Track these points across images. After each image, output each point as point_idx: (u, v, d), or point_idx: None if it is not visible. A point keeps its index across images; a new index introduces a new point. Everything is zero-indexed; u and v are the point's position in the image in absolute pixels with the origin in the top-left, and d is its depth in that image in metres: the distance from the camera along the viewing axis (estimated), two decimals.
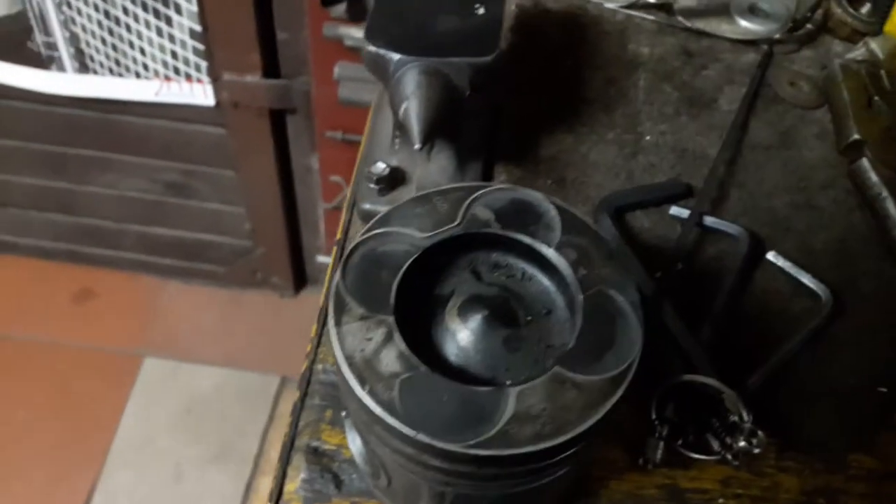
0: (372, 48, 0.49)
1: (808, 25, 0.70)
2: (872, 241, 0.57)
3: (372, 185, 0.53)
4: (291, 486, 0.44)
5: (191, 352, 1.61)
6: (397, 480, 0.40)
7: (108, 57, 1.32)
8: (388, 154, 0.55)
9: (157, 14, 1.23)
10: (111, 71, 1.33)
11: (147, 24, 1.25)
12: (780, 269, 0.54)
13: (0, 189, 1.58)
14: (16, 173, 1.55)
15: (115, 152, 1.48)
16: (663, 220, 0.56)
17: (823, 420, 0.49)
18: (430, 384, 0.35)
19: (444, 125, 0.49)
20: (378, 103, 0.62)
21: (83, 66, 1.34)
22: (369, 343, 0.36)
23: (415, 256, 0.39)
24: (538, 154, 0.59)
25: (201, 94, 1.33)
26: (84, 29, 1.29)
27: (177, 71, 1.31)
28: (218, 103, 1.33)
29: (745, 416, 0.44)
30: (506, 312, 0.39)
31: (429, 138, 0.47)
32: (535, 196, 0.42)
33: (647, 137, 0.61)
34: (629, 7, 0.70)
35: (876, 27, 0.67)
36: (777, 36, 0.68)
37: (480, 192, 0.42)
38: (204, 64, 1.27)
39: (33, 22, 1.28)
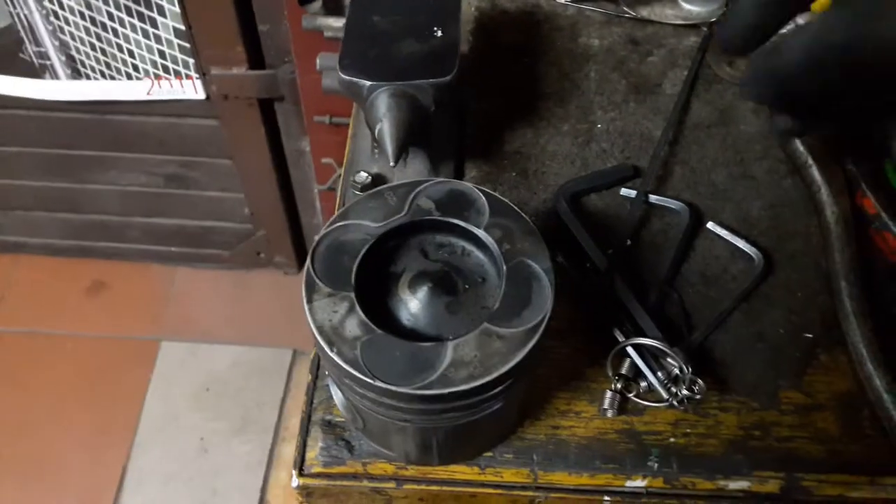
0: (345, 76, 0.57)
1: None
2: (800, 206, 0.64)
3: (357, 192, 0.60)
4: (312, 453, 0.53)
5: (205, 333, 1.69)
6: (370, 422, 0.49)
7: (98, 61, 1.36)
8: (369, 163, 0.63)
9: (141, 17, 1.27)
10: (103, 74, 1.38)
11: (133, 28, 1.30)
12: (719, 237, 0.62)
13: (7, 193, 1.64)
14: (21, 177, 1.61)
15: (114, 150, 1.53)
16: (615, 201, 0.64)
17: (758, 365, 0.57)
18: (385, 344, 0.44)
19: (414, 139, 0.56)
20: (356, 116, 0.69)
21: (75, 72, 1.39)
22: (336, 314, 0.45)
23: (370, 243, 0.48)
24: (503, 150, 0.66)
25: (191, 90, 1.38)
26: (73, 37, 1.33)
27: (166, 69, 1.36)
28: (208, 97, 1.38)
29: (686, 369, 0.52)
30: (447, 283, 0.47)
31: (401, 154, 0.54)
32: (467, 186, 0.50)
33: (599, 125, 0.68)
34: (579, 1, 0.76)
35: (804, 2, 0.73)
36: (715, 19, 0.74)
37: (422, 185, 0.50)
38: (191, 61, 1.32)
39: (23, 34, 1.33)
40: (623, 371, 0.55)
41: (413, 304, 0.47)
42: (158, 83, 1.39)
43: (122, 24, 1.29)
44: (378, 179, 0.61)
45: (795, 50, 0.44)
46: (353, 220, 0.49)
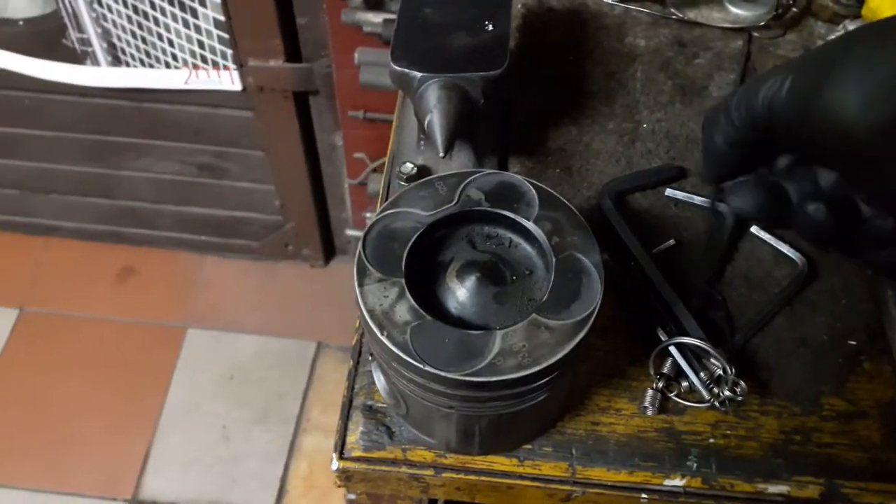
0: (396, 67, 0.57)
1: (793, 9, 0.76)
2: None
3: (403, 183, 0.61)
4: (352, 437, 0.53)
5: (231, 322, 1.71)
6: (413, 407, 0.50)
7: (138, 49, 1.38)
8: (414, 154, 0.63)
9: (182, 7, 1.29)
10: (142, 62, 1.40)
11: (174, 17, 1.31)
12: (762, 241, 0.62)
13: (44, 177, 1.67)
14: (58, 162, 1.64)
15: (149, 138, 1.56)
16: (660, 200, 0.64)
17: (800, 370, 0.56)
18: (434, 330, 0.44)
19: (463, 131, 0.56)
20: (401, 108, 0.70)
21: (116, 59, 1.41)
22: (386, 299, 0.45)
23: (420, 231, 0.48)
24: (547, 146, 0.67)
25: (228, 81, 1.40)
26: (115, 24, 1.35)
27: (204, 59, 1.37)
28: (244, 88, 1.39)
29: (729, 370, 0.52)
30: (495, 273, 0.48)
31: (451, 146, 0.55)
32: (517, 179, 0.50)
33: (644, 125, 0.68)
34: (626, 1, 0.76)
35: (855, 10, 0.73)
36: (763, 23, 0.74)
37: (473, 177, 0.50)
38: (229, 52, 1.34)
39: (67, 20, 1.35)
40: (664, 370, 0.55)
41: (461, 293, 0.47)
42: (196, 73, 1.41)
43: (163, 13, 1.31)
44: (423, 171, 0.61)
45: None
46: (403, 208, 0.49)
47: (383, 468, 0.53)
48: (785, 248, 0.61)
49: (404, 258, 0.47)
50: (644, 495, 0.53)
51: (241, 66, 1.36)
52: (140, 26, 1.34)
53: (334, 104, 1.41)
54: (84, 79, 1.44)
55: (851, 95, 0.42)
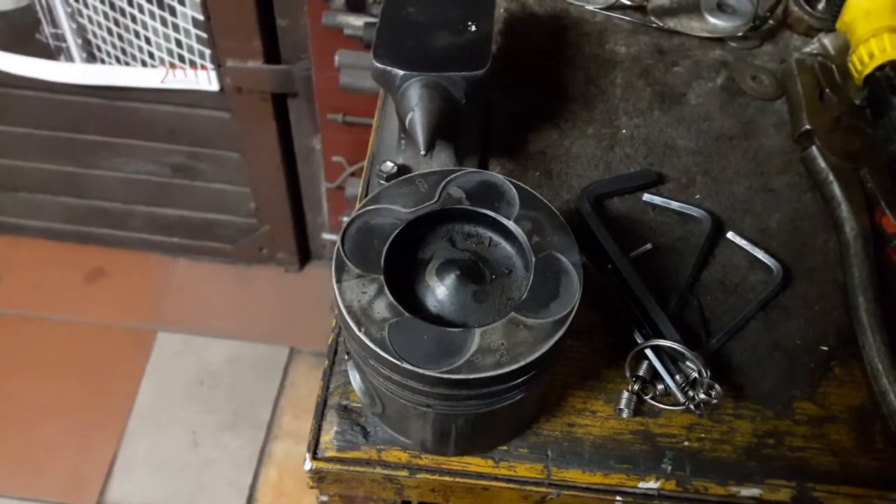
0: (379, 65, 0.57)
1: (770, 21, 0.77)
2: (819, 220, 0.65)
3: (383, 182, 0.60)
4: (326, 437, 0.52)
5: (202, 325, 1.68)
6: (389, 406, 0.49)
7: (114, 46, 1.37)
8: (395, 153, 0.63)
9: (160, 5, 1.28)
10: (118, 60, 1.38)
11: (151, 15, 1.30)
12: (738, 247, 0.62)
13: (12, 174, 1.63)
14: (27, 159, 1.60)
15: (122, 137, 1.53)
16: (637, 205, 0.64)
17: (773, 374, 0.57)
18: (412, 327, 0.44)
19: (444, 131, 0.56)
20: (382, 108, 0.69)
21: (90, 56, 1.39)
22: (364, 295, 0.45)
23: (400, 228, 0.48)
24: (527, 149, 0.67)
25: (205, 81, 1.38)
26: (90, 20, 1.33)
27: (181, 59, 1.36)
28: (222, 88, 1.38)
29: (704, 373, 0.53)
30: (474, 272, 0.48)
31: (432, 144, 0.55)
32: (498, 178, 0.50)
33: (623, 131, 0.68)
34: (607, 9, 0.77)
35: (829, 23, 0.74)
36: (741, 33, 0.75)
37: (454, 175, 0.50)
38: (207, 51, 1.33)
39: (41, 14, 1.33)
40: (640, 373, 0.55)
41: (440, 291, 0.47)
42: (173, 72, 1.39)
43: (140, 10, 1.29)
44: (403, 170, 0.61)
45: None
46: (384, 205, 0.49)
47: (357, 469, 0.52)
48: (760, 255, 0.62)
49: (384, 255, 0.47)
50: (619, 498, 0.53)
51: (219, 66, 1.35)
52: (117, 23, 1.32)
53: (313, 107, 1.40)
54: (57, 75, 1.42)
55: None
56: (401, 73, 0.56)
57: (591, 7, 0.77)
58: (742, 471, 0.53)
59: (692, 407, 0.53)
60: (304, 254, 1.75)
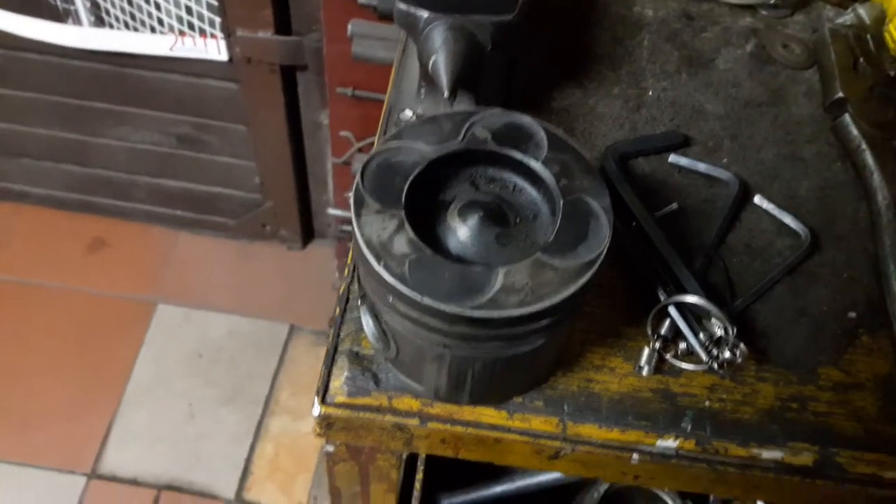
0: (402, 5, 0.55)
1: None
2: (849, 189, 0.63)
3: None
4: (336, 382, 0.51)
5: (202, 299, 1.67)
6: (404, 349, 0.48)
7: (123, 11, 1.34)
8: (414, 102, 0.61)
9: None
10: (127, 25, 1.36)
11: None
12: (766, 211, 0.61)
13: (15, 139, 1.62)
14: (31, 124, 1.58)
15: (128, 105, 1.51)
16: (663, 167, 0.63)
17: (799, 339, 0.55)
18: (433, 263, 0.42)
19: (467, 77, 0.55)
20: (401, 58, 0.68)
21: (99, 20, 1.37)
22: (384, 231, 0.43)
23: (422, 166, 0.46)
24: (550, 106, 0.65)
25: (215, 50, 1.36)
26: None
27: (191, 26, 1.34)
28: (231, 59, 1.36)
29: (730, 330, 0.51)
30: (498, 214, 0.46)
31: (455, 88, 0.53)
32: (527, 119, 0.49)
33: (650, 93, 0.67)
34: None
35: None
36: (772, 1, 0.74)
37: (480, 114, 0.48)
38: (217, 20, 1.31)
39: None
40: (662, 331, 0.53)
41: (462, 232, 0.45)
42: (182, 40, 1.37)
43: None
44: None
45: None
46: (406, 142, 0.47)
47: (367, 415, 0.51)
48: (788, 220, 0.60)
49: (405, 191, 0.45)
50: (635, 455, 0.51)
51: (228, 35, 1.33)
52: None
53: (322, 81, 1.38)
54: (65, 38, 1.40)
55: None
56: (425, 14, 0.55)
57: None
58: (764, 433, 0.51)
59: (715, 366, 0.52)
60: (308, 232, 1.73)
